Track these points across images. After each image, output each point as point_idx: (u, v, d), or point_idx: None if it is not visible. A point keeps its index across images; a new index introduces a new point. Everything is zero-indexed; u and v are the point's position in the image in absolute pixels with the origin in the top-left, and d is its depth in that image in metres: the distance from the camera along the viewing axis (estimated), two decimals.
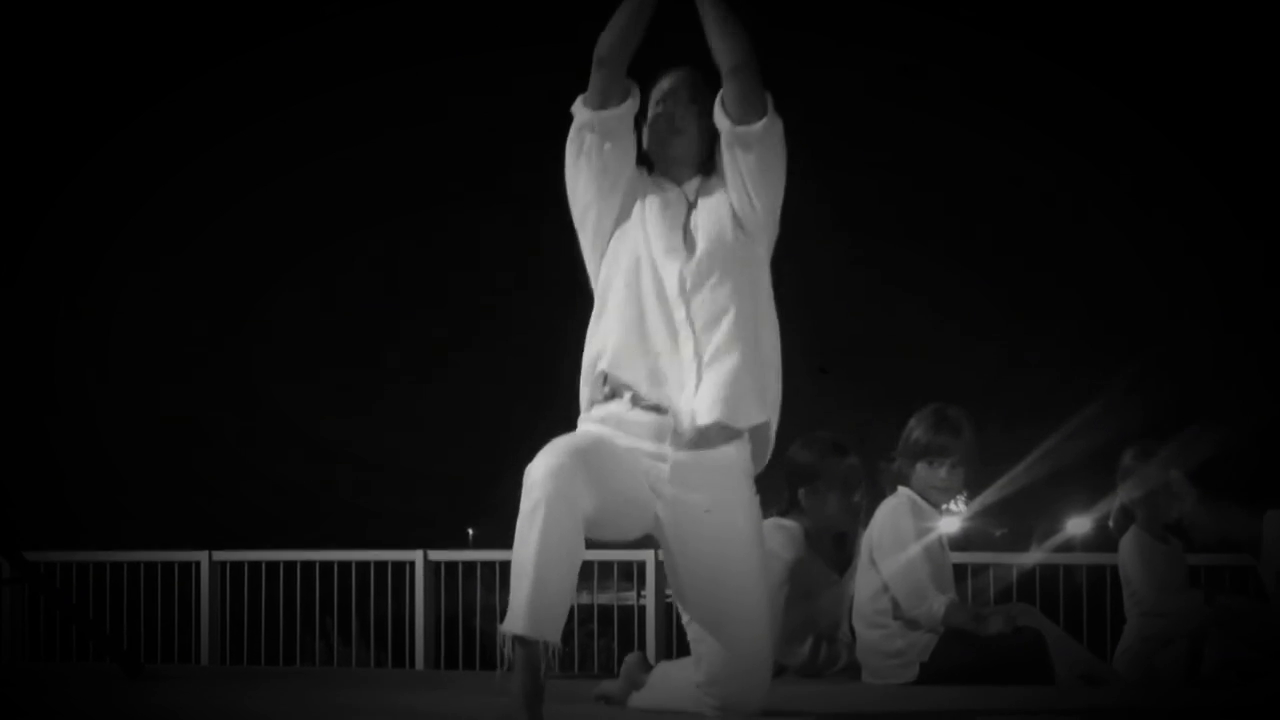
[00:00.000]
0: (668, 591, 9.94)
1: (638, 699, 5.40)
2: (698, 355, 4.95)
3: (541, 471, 4.64)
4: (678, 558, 4.99)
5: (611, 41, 5.12)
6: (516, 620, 4.63)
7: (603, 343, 5.03)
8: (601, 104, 5.14)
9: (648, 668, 5.46)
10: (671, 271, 4.99)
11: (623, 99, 5.15)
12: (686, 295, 4.97)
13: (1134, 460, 7.39)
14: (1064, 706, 5.69)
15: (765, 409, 5.07)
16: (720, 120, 5.08)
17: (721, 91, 5.08)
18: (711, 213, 5.09)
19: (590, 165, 5.14)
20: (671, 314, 4.97)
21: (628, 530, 5.03)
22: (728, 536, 4.98)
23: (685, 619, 5.10)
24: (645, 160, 5.22)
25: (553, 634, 4.66)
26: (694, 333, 4.95)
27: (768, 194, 5.10)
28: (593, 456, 4.79)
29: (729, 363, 4.94)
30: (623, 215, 5.14)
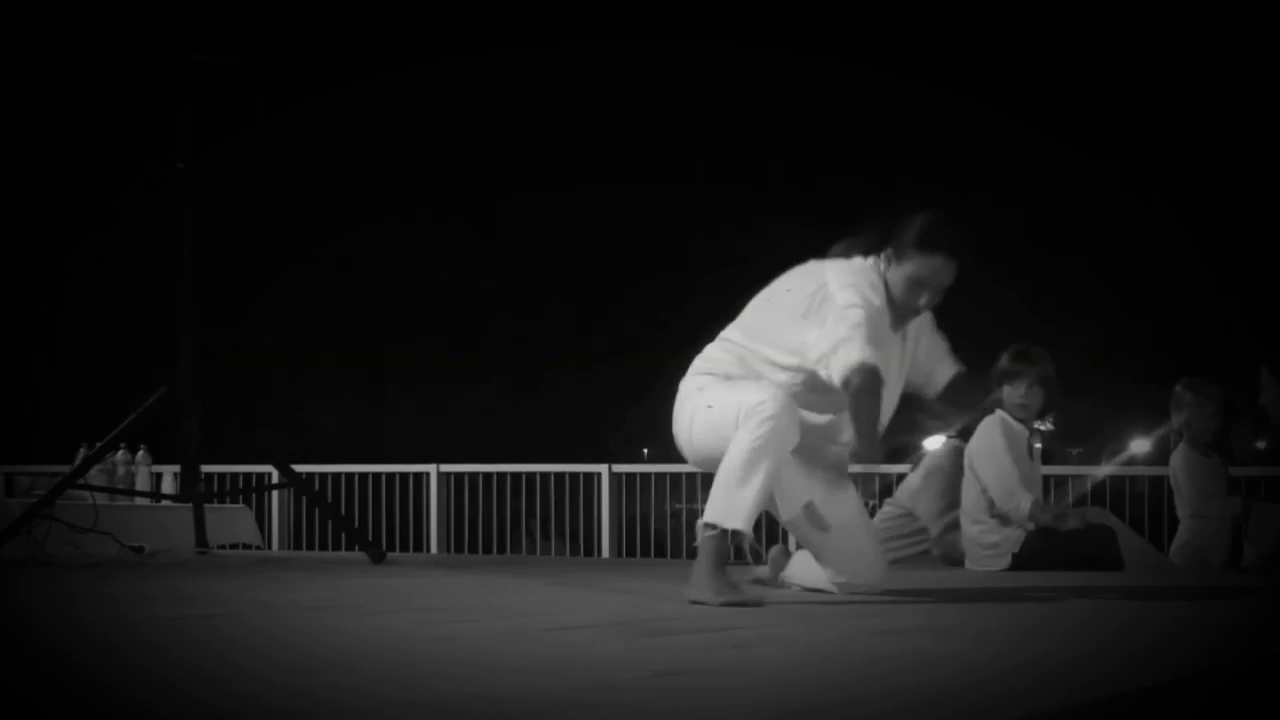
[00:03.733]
0: None
1: (787, 578, 5.47)
2: None
3: (772, 406, 4.86)
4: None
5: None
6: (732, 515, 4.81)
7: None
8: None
9: (788, 555, 5.58)
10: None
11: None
12: None
13: (1185, 391, 7.61)
14: (1131, 588, 5.75)
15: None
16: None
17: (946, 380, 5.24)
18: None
19: None
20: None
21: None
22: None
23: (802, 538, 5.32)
24: None
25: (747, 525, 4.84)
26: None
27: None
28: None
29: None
30: None
